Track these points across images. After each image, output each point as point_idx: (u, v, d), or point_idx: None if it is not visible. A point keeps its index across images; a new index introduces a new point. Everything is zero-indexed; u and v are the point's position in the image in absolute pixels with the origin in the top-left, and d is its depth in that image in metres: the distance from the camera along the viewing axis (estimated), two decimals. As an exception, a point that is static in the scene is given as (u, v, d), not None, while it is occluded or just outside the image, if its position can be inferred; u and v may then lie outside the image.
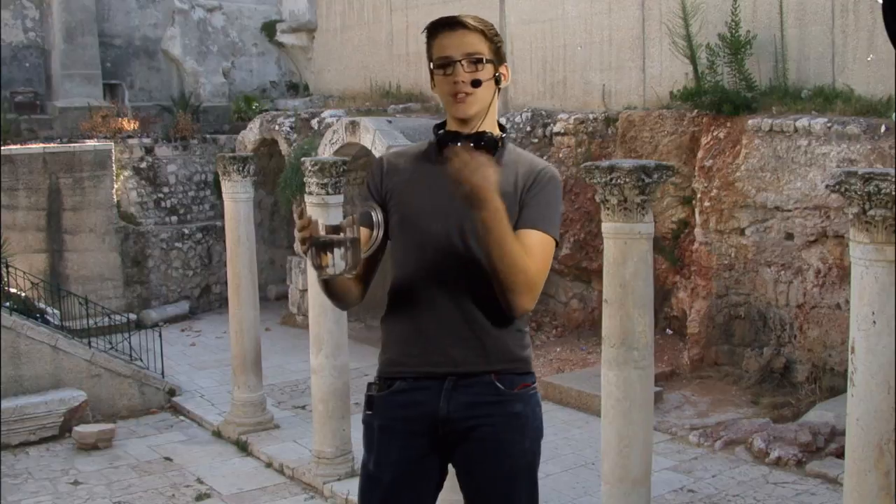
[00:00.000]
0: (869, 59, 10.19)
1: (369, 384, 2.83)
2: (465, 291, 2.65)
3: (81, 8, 17.04)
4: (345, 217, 2.59)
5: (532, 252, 2.61)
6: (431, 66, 2.72)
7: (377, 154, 12.05)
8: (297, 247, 2.58)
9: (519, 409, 2.74)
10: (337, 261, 2.50)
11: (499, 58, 2.72)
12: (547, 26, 13.87)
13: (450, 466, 2.83)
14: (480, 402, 2.70)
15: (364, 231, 2.68)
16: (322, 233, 2.49)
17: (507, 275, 2.53)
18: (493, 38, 2.70)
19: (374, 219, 2.69)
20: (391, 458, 2.74)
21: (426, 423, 2.72)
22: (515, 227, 2.64)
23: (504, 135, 2.77)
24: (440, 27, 2.71)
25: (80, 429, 9.88)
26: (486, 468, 2.72)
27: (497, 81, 2.71)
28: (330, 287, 2.66)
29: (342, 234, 2.49)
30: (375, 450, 2.77)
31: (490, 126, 2.74)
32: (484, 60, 2.67)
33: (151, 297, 15.30)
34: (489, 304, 2.65)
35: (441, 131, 2.78)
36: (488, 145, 2.70)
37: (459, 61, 2.66)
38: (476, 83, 2.65)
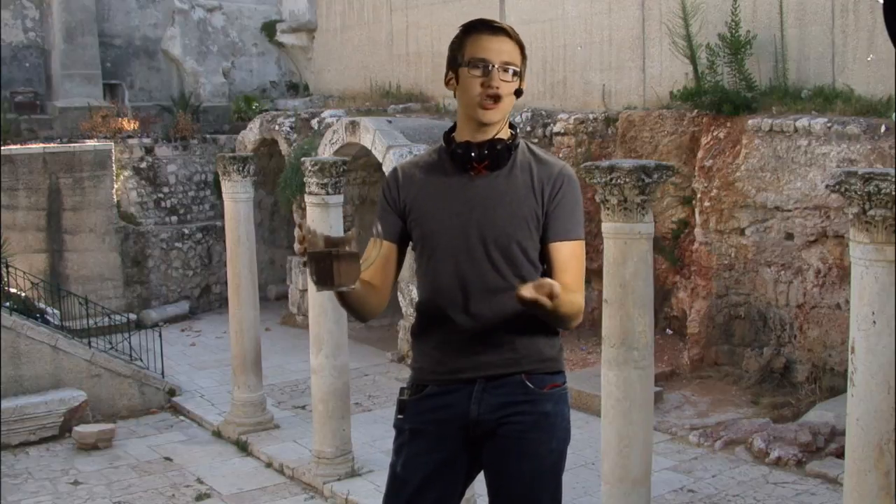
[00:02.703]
0: (869, 59, 10.19)
1: (401, 389, 2.87)
2: (493, 299, 2.68)
3: (81, 8, 17.04)
4: (346, 220, 2.60)
5: (568, 268, 2.70)
6: (464, 62, 2.68)
7: (377, 154, 12.06)
8: (297, 247, 2.63)
9: (549, 408, 2.76)
10: (334, 275, 2.50)
11: (524, 73, 2.75)
12: (547, 26, 13.87)
13: None
14: (510, 402, 2.73)
15: (387, 244, 2.73)
16: (321, 245, 2.48)
17: (562, 325, 2.68)
18: (525, 53, 2.73)
19: (376, 231, 2.69)
20: (420, 459, 2.77)
21: (457, 425, 2.75)
22: (546, 239, 2.71)
23: (514, 134, 2.78)
24: (481, 27, 2.70)
25: (80, 429, 9.88)
26: (511, 466, 2.74)
27: (517, 94, 2.74)
28: (345, 299, 2.66)
29: (341, 248, 2.48)
30: (405, 452, 2.80)
31: (503, 131, 2.76)
32: (517, 72, 2.69)
33: (151, 297, 15.30)
34: (519, 309, 2.65)
35: (452, 136, 2.78)
36: (501, 154, 2.72)
37: (497, 67, 2.66)
38: (519, 92, 2.70)
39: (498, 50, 2.67)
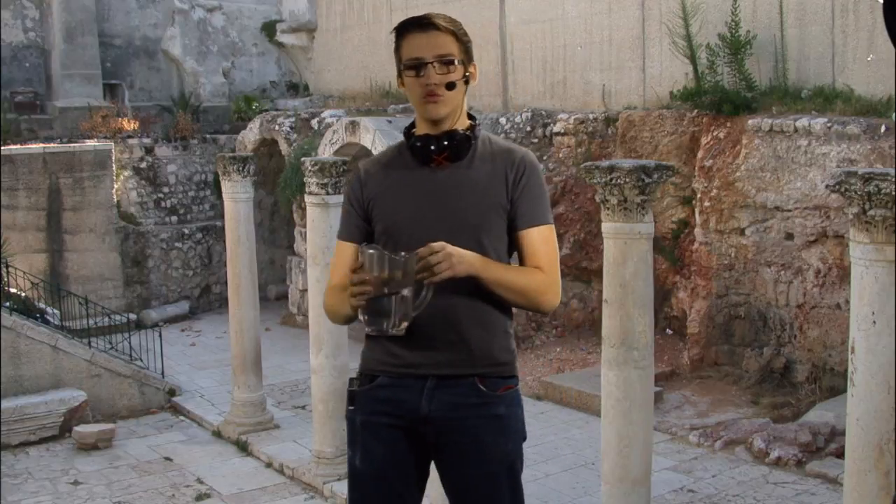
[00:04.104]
0: (869, 59, 10.19)
1: (351, 379, 2.84)
2: (452, 295, 2.64)
3: (81, 8, 17.04)
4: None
5: (538, 251, 2.73)
6: (402, 65, 2.70)
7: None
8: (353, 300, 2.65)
9: (502, 411, 2.74)
10: (394, 319, 2.52)
11: (468, 57, 2.73)
12: (547, 26, 13.87)
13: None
14: (462, 404, 2.70)
15: (355, 246, 2.74)
16: (376, 276, 2.48)
17: (527, 301, 2.73)
18: (464, 39, 2.71)
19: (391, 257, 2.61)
20: (376, 453, 2.75)
21: (407, 420, 2.73)
22: (515, 227, 2.71)
23: (474, 124, 2.78)
24: (410, 27, 2.69)
25: (80, 429, 9.88)
26: (467, 470, 2.72)
27: (467, 81, 2.72)
28: (339, 308, 2.73)
29: (400, 293, 2.49)
30: (360, 446, 2.78)
31: (461, 122, 2.75)
32: (455, 62, 2.67)
33: (151, 297, 15.30)
34: (476, 307, 2.68)
35: (412, 132, 2.79)
36: (461, 145, 2.72)
37: (431, 63, 2.65)
38: (451, 86, 2.67)
39: (429, 45, 2.65)
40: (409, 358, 2.69)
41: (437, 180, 2.72)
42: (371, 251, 2.50)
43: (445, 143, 2.71)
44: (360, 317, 2.59)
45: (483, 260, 2.61)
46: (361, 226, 2.79)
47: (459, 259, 2.54)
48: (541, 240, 2.74)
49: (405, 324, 2.55)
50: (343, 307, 2.68)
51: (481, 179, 2.72)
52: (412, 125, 2.82)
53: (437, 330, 2.65)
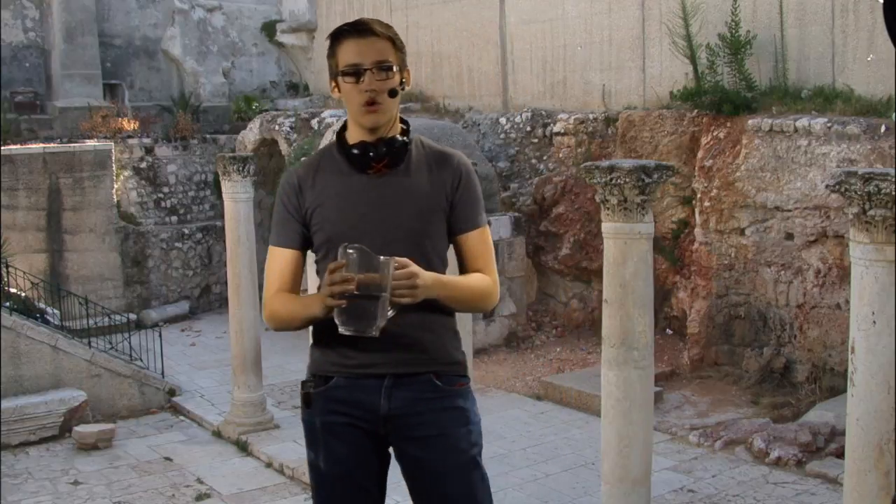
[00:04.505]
0: (869, 59, 10.19)
1: (304, 382, 2.83)
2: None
3: (81, 8, 17.04)
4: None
5: (480, 254, 2.79)
6: (339, 71, 2.69)
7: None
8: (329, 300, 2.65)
9: (461, 403, 2.78)
10: (379, 320, 2.49)
11: (404, 64, 2.74)
12: (547, 26, 13.87)
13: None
14: (421, 398, 2.73)
15: (293, 252, 2.76)
16: (362, 277, 2.46)
17: (473, 308, 2.83)
18: (400, 46, 2.72)
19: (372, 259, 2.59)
20: (341, 454, 2.76)
21: (367, 420, 2.74)
22: (455, 232, 2.77)
23: (406, 129, 2.79)
24: (347, 33, 2.69)
25: (80, 429, 9.88)
26: (438, 463, 2.75)
27: (402, 88, 2.73)
28: (287, 318, 2.73)
29: (381, 295, 2.47)
30: (323, 448, 2.78)
31: (395, 129, 2.76)
32: (393, 68, 2.68)
33: (151, 297, 15.29)
34: (425, 315, 2.69)
35: (344, 137, 2.78)
36: (399, 151, 2.73)
37: (370, 69, 2.65)
38: (393, 93, 2.68)
39: (368, 51, 2.65)
40: (365, 359, 2.69)
41: (377, 188, 2.72)
42: (352, 251, 2.48)
43: (384, 150, 2.70)
44: (337, 318, 2.54)
45: (440, 282, 2.66)
46: (302, 232, 2.77)
47: (423, 290, 2.57)
48: (480, 242, 2.79)
49: (382, 325, 2.53)
50: (302, 310, 2.69)
51: (421, 185, 2.73)
52: (343, 128, 2.80)
53: (390, 334, 2.65)
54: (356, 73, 2.65)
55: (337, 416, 2.75)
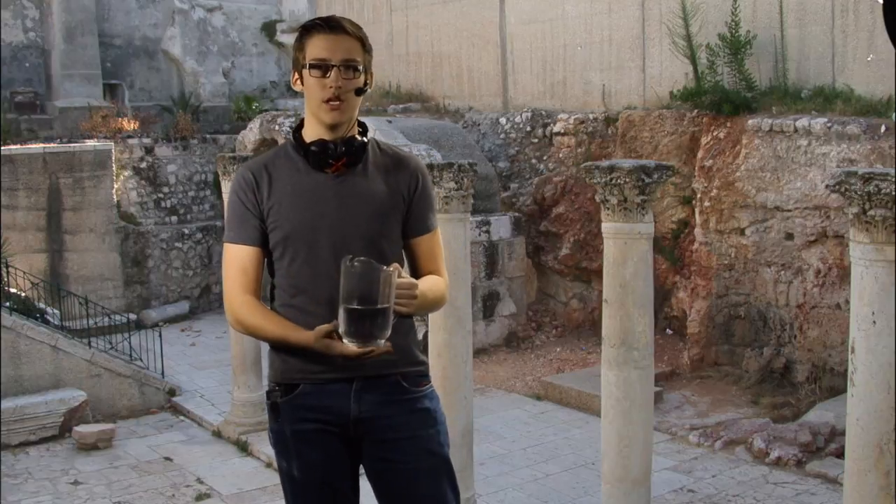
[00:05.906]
0: (869, 59, 10.19)
1: (269, 392, 2.80)
2: None
3: (81, 8, 17.05)
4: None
5: (435, 257, 2.83)
6: (305, 64, 2.69)
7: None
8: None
9: (427, 404, 2.80)
10: (386, 330, 2.47)
11: (369, 66, 2.74)
12: (547, 26, 13.87)
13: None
14: (389, 401, 2.74)
15: (253, 249, 2.72)
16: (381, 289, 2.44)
17: (431, 310, 2.87)
18: (369, 49, 2.73)
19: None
20: (315, 460, 2.75)
21: (338, 424, 2.73)
22: (410, 234, 2.79)
23: (363, 130, 2.80)
24: (318, 27, 2.69)
25: (80, 429, 9.88)
26: (410, 465, 2.75)
27: (362, 90, 2.74)
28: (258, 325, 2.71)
29: (390, 305, 2.45)
30: (295, 456, 2.76)
31: (353, 129, 2.76)
32: (360, 68, 2.68)
33: (151, 297, 15.29)
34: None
35: (301, 134, 2.77)
36: (358, 151, 2.73)
37: (337, 66, 2.65)
38: (360, 92, 2.68)
39: (337, 48, 2.65)
40: (331, 363, 2.66)
41: (335, 187, 2.71)
42: (358, 263, 2.42)
43: (343, 149, 2.70)
44: (345, 331, 2.47)
45: (422, 289, 2.67)
46: (260, 228, 2.73)
47: (421, 298, 2.60)
48: (434, 244, 2.84)
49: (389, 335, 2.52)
50: (283, 334, 2.65)
51: (378, 187, 2.73)
52: (300, 126, 2.79)
53: None
54: (323, 67, 2.65)
55: (307, 423, 2.73)
